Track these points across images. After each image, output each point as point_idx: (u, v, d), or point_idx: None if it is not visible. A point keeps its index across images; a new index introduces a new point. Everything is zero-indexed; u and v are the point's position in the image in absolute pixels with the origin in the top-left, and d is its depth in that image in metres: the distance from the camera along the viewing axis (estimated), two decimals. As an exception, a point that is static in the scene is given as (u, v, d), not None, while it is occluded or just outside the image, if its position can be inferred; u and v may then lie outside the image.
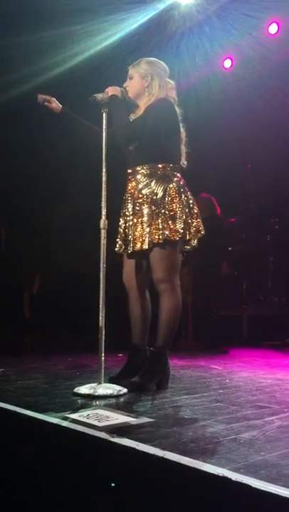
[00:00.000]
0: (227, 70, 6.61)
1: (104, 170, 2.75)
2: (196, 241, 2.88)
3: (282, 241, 5.88)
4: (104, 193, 2.74)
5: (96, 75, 5.66)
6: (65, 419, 1.94)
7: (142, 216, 2.75)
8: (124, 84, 2.91)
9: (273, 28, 6.00)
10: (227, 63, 6.58)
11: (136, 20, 6.03)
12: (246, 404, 2.38)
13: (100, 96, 2.77)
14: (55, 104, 2.99)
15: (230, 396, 2.57)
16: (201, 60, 6.26)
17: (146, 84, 2.86)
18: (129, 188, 2.86)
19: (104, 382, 2.59)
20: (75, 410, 2.10)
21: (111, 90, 2.81)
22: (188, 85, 5.84)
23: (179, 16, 6.09)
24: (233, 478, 1.34)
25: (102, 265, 2.68)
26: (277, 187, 6.06)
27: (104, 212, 2.73)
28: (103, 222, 2.72)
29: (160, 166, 2.78)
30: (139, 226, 2.74)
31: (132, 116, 2.94)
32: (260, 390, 2.78)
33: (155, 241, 2.69)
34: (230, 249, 5.65)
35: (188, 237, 2.78)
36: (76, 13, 5.44)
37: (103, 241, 2.71)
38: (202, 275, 5.29)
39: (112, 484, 1.52)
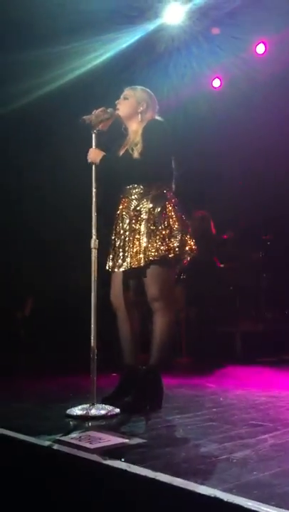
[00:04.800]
0: (216, 90, 6.69)
1: (94, 190, 2.77)
2: (188, 259, 2.89)
3: (275, 257, 5.91)
4: (94, 212, 2.75)
5: (85, 93, 5.72)
6: (57, 441, 1.92)
7: (139, 233, 2.76)
8: (117, 102, 2.95)
9: (261, 48, 6.10)
10: (216, 83, 6.67)
11: (125, 41, 6.12)
12: (240, 422, 2.36)
13: (88, 118, 2.80)
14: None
15: (223, 414, 2.55)
16: (190, 80, 6.34)
17: (141, 110, 2.92)
18: (123, 206, 2.88)
19: (97, 402, 2.57)
20: (68, 432, 2.09)
21: (93, 156, 2.82)
22: (178, 104, 5.90)
23: (167, 37, 6.18)
24: (225, 499, 1.33)
25: (94, 285, 2.68)
26: (267, 203, 6.10)
27: (94, 231, 2.75)
28: (94, 241, 2.73)
29: (153, 184, 2.81)
30: (136, 243, 2.75)
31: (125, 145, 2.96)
32: (254, 407, 2.76)
33: (152, 258, 2.69)
34: (222, 266, 5.66)
35: (183, 256, 2.79)
36: (66, 33, 5.51)
37: (94, 260, 2.71)
38: (196, 292, 5.29)
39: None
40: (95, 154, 2.82)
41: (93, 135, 2.83)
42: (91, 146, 2.85)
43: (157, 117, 2.96)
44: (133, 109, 2.92)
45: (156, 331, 2.74)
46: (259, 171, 6.19)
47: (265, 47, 6.07)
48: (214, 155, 6.48)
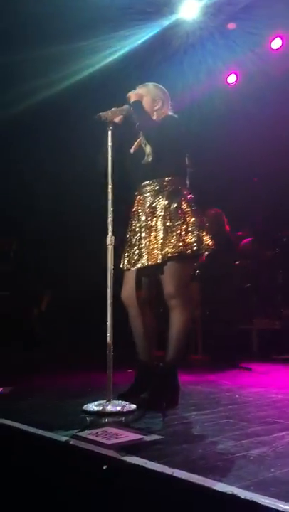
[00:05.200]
0: (231, 86, 6.66)
1: (110, 186, 2.77)
2: (204, 255, 2.88)
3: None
4: (110, 208, 2.75)
5: (100, 90, 5.73)
6: (74, 437, 1.94)
7: (156, 230, 2.74)
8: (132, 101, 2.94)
9: (276, 43, 6.05)
10: (231, 79, 6.63)
11: (140, 37, 6.12)
12: (256, 420, 2.36)
13: (104, 115, 2.80)
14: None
15: (239, 412, 2.55)
16: (205, 76, 6.31)
17: (157, 108, 2.91)
18: (138, 204, 2.88)
19: (114, 399, 2.58)
20: (84, 428, 2.10)
21: (133, 96, 2.87)
22: (193, 101, 5.88)
23: (182, 32, 6.16)
24: (242, 496, 1.33)
25: (110, 281, 2.68)
26: (283, 200, 6.05)
27: (110, 228, 2.74)
28: (110, 238, 2.73)
29: (168, 180, 2.80)
30: (153, 240, 2.74)
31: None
32: (270, 405, 2.75)
33: (170, 254, 2.68)
34: (237, 263, 5.63)
35: (200, 252, 2.78)
36: (81, 30, 5.52)
37: (110, 257, 2.71)
38: (212, 289, 5.28)
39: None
40: (135, 96, 2.86)
41: (109, 132, 2.82)
42: (106, 142, 2.83)
43: (170, 113, 2.95)
44: (149, 107, 2.90)
45: (173, 328, 2.73)
46: (275, 167, 6.14)
47: (282, 41, 6.01)
48: (229, 151, 6.45)
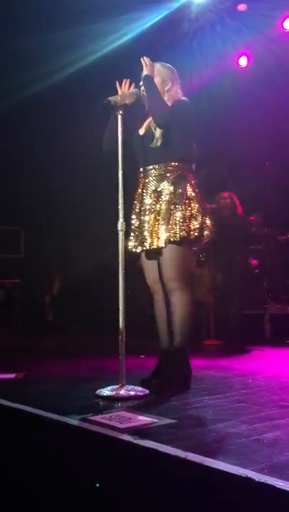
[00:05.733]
0: (242, 68, 6.56)
1: (120, 172, 2.75)
2: (206, 240, 2.86)
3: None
4: (120, 194, 2.73)
5: (109, 74, 5.68)
6: (87, 421, 1.95)
7: (159, 214, 2.73)
8: (141, 84, 2.90)
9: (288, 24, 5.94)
10: (242, 62, 6.53)
11: (149, 20, 6.04)
12: (269, 403, 2.35)
13: (113, 99, 2.77)
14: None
15: (252, 396, 2.54)
16: (216, 59, 6.23)
17: (167, 89, 2.87)
18: (142, 187, 2.85)
19: (126, 384, 2.58)
20: (97, 412, 2.11)
21: (147, 70, 2.83)
22: (203, 84, 5.80)
23: (192, 14, 6.07)
24: (257, 479, 1.32)
25: (121, 268, 2.67)
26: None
27: (121, 214, 2.73)
28: (121, 223, 2.72)
29: (174, 165, 2.78)
30: (156, 223, 2.73)
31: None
32: (283, 389, 2.74)
33: (172, 239, 2.67)
34: (250, 247, 5.60)
35: (203, 237, 2.76)
36: (89, 13, 5.46)
37: (121, 243, 2.70)
38: (224, 274, 5.26)
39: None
40: (149, 68, 2.82)
41: (119, 116, 2.79)
42: (114, 125, 2.80)
43: (180, 95, 2.90)
44: (160, 89, 2.85)
45: (175, 312, 2.71)
46: (287, 151, 6.07)
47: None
48: (241, 135, 6.38)
